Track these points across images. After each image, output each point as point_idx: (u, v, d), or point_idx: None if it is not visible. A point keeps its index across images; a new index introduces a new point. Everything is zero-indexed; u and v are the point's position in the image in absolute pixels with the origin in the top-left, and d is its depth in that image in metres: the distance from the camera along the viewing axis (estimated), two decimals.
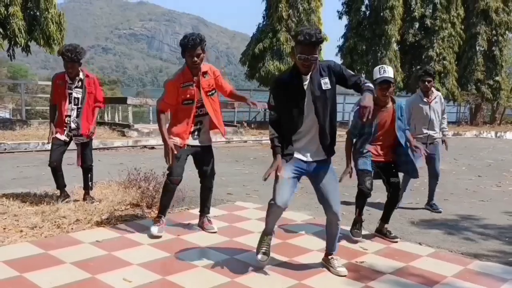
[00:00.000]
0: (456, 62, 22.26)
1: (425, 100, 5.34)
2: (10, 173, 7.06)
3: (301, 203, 5.47)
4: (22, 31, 10.75)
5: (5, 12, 10.44)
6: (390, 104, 4.08)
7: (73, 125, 4.86)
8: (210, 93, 4.00)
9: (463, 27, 22.00)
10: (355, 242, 4.07)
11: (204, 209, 4.34)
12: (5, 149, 9.54)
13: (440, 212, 5.40)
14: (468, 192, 6.82)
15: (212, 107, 4.02)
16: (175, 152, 3.85)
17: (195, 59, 3.77)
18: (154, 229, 3.97)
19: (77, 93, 4.83)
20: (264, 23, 18.38)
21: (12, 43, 11.17)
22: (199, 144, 4.06)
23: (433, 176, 5.56)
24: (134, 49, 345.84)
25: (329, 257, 3.38)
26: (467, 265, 3.62)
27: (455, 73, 21.81)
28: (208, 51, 4.06)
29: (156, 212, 4.67)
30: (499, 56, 22.80)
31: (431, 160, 5.45)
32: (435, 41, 20.87)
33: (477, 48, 22.33)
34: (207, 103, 3.97)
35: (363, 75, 19.49)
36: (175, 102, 3.93)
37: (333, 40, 20.45)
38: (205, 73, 3.96)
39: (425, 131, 5.40)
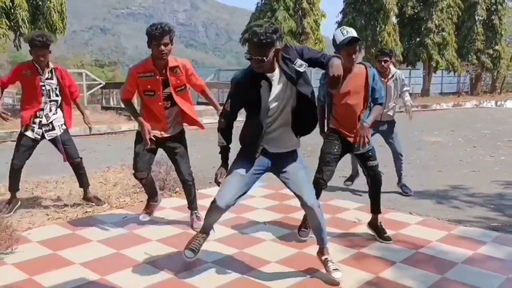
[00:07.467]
0: (455, 33, 22.32)
1: (382, 79, 4.98)
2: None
3: None
4: (26, 21, 11.03)
5: (11, 3, 10.73)
6: (357, 70, 3.49)
7: (44, 121, 4.34)
8: (179, 89, 3.77)
9: None
10: (351, 216, 4.40)
11: (190, 205, 4.15)
12: None
13: (410, 195, 5.22)
14: (461, 163, 7.16)
15: (182, 100, 3.81)
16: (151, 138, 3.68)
17: (162, 48, 3.52)
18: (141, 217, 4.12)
19: (48, 85, 4.30)
20: (263, 2, 18.46)
21: (18, 33, 11.45)
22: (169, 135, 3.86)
23: (396, 157, 5.35)
24: (133, 28, 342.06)
25: (323, 258, 3.09)
26: (451, 230, 4.01)
27: (454, 44, 21.92)
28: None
29: (168, 194, 5.09)
30: (498, 25, 22.87)
31: (389, 142, 5.34)
32: (434, 12, 20.94)
33: (476, 17, 22.39)
34: (176, 98, 3.76)
35: (363, 50, 19.65)
36: (135, 90, 3.75)
37: (332, 16, 20.41)
38: (174, 68, 3.71)
39: None
